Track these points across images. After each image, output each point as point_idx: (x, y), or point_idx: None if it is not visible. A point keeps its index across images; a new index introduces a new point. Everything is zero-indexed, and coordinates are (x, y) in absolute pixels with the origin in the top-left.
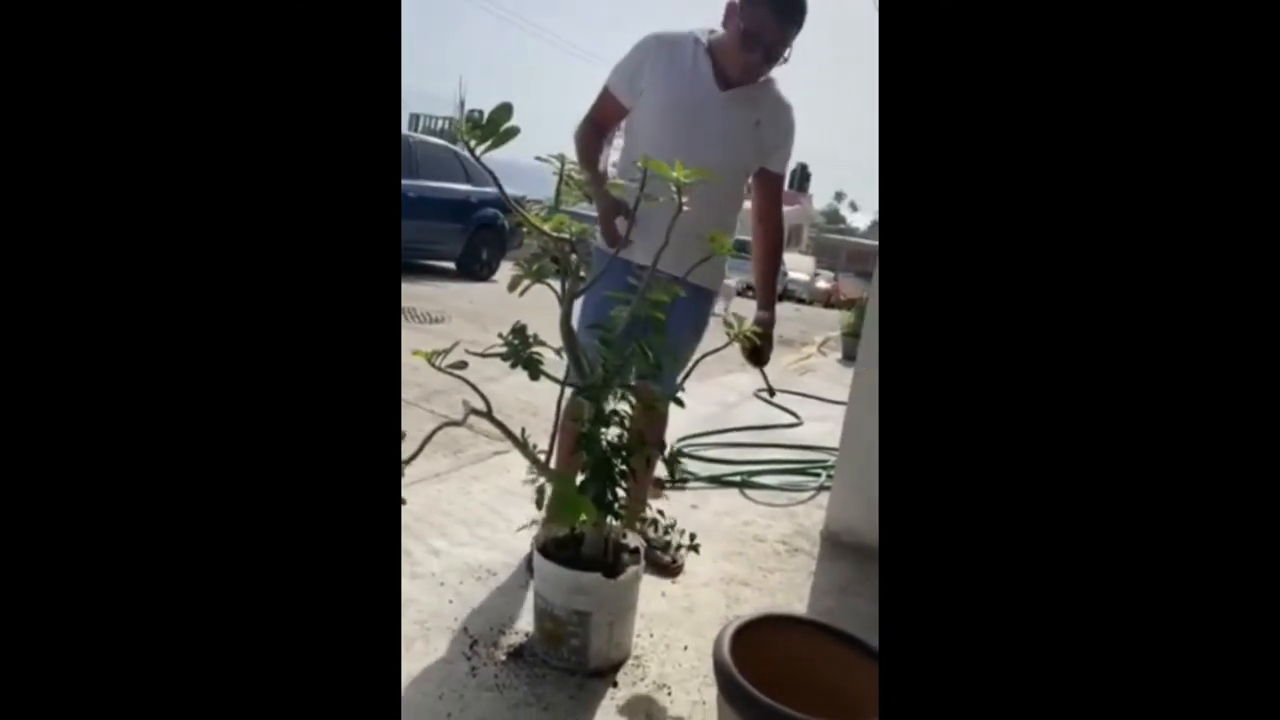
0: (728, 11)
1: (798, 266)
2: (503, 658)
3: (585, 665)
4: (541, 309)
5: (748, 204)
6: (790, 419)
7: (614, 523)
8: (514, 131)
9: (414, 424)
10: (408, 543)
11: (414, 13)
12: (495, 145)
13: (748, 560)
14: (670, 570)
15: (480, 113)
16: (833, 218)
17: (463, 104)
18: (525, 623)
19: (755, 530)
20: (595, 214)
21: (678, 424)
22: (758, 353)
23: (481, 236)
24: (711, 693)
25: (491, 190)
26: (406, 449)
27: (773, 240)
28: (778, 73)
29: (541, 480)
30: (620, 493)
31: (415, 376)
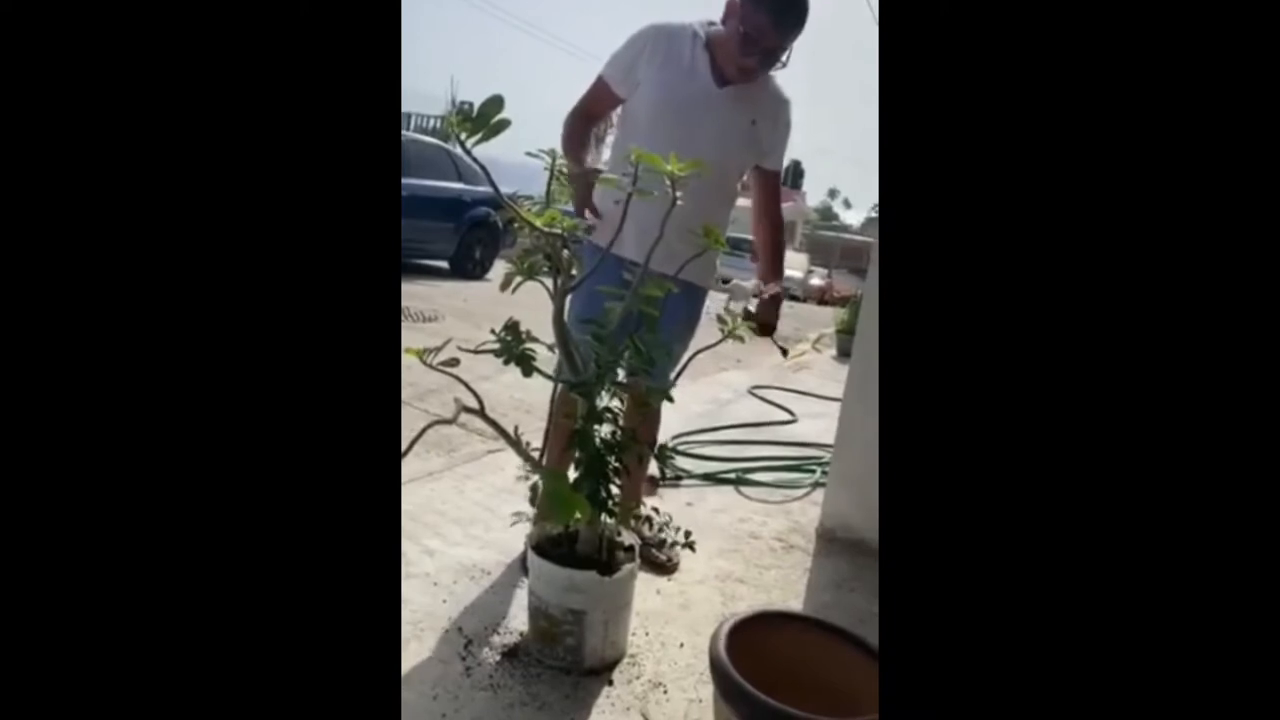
0: (728, 9)
1: (791, 264)
2: (497, 657)
3: (580, 664)
4: (535, 306)
5: (742, 201)
6: (785, 416)
7: (608, 520)
8: (505, 124)
9: (407, 423)
10: (402, 543)
11: (405, 10)
12: (486, 138)
13: (743, 557)
14: (665, 568)
15: (471, 105)
16: (826, 214)
17: (455, 102)
18: (520, 622)
19: (750, 527)
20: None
21: (672, 422)
22: (767, 322)
23: (474, 235)
24: (708, 690)
25: (484, 189)
26: None
27: (775, 233)
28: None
29: (535, 478)
30: (614, 490)
31: (408, 375)
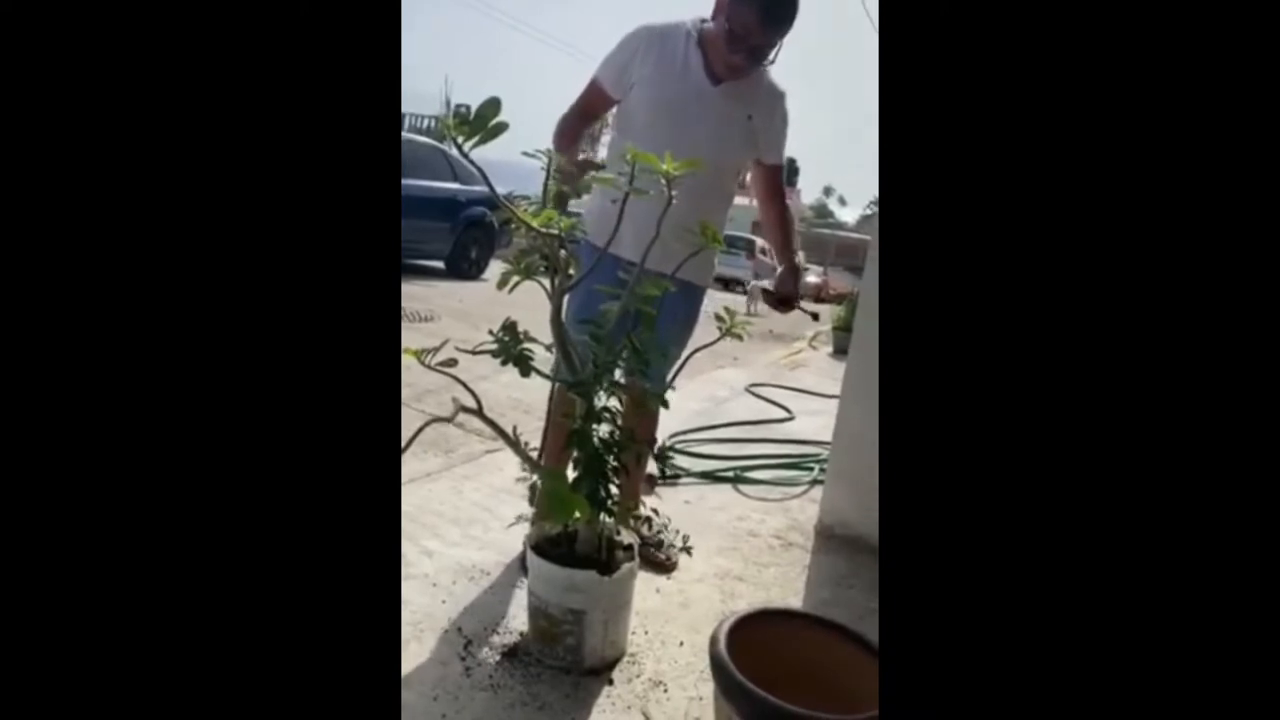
0: (716, 6)
1: None
2: (497, 657)
3: (581, 663)
4: (532, 306)
5: (740, 200)
6: (782, 414)
7: (607, 520)
8: (502, 127)
9: (406, 423)
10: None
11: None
12: (484, 141)
13: (742, 555)
14: (665, 566)
15: (467, 108)
16: (821, 212)
17: (449, 102)
18: (519, 622)
19: (749, 525)
20: (582, 212)
21: (670, 420)
22: (787, 300)
23: (470, 235)
24: (708, 688)
25: (480, 189)
26: None
27: (782, 216)
28: None
29: (534, 478)
30: (613, 489)
31: (406, 376)
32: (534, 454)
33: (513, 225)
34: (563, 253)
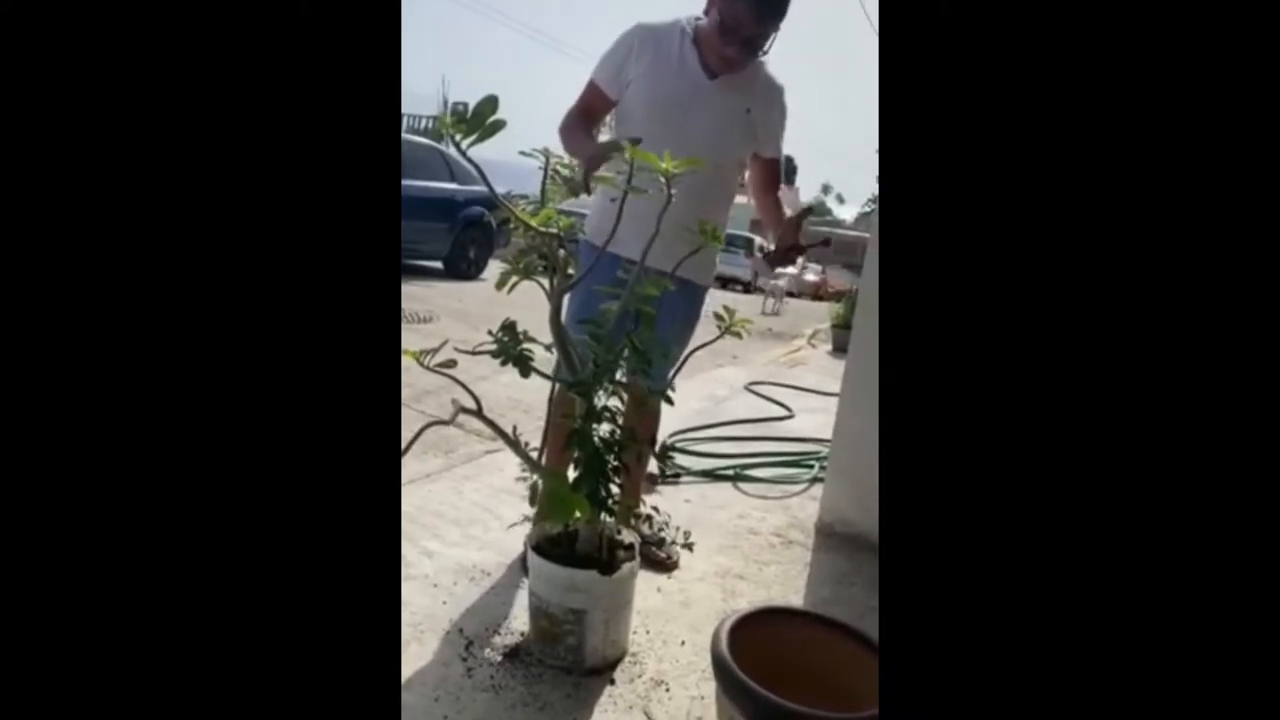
0: (709, 1)
1: None
2: (499, 658)
3: (582, 663)
4: (531, 306)
5: (740, 199)
6: (782, 412)
7: (608, 519)
8: (500, 125)
9: (406, 424)
10: (401, 544)
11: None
12: (481, 139)
13: (743, 553)
14: (665, 565)
15: (465, 105)
16: (819, 210)
17: (447, 102)
18: (520, 622)
19: (749, 523)
20: (583, 212)
21: (670, 419)
22: (793, 249)
23: (469, 235)
24: (710, 687)
25: (478, 188)
26: None
27: (778, 206)
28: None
29: (534, 478)
30: (614, 489)
31: (406, 377)
32: (534, 454)
33: (511, 225)
34: (561, 252)
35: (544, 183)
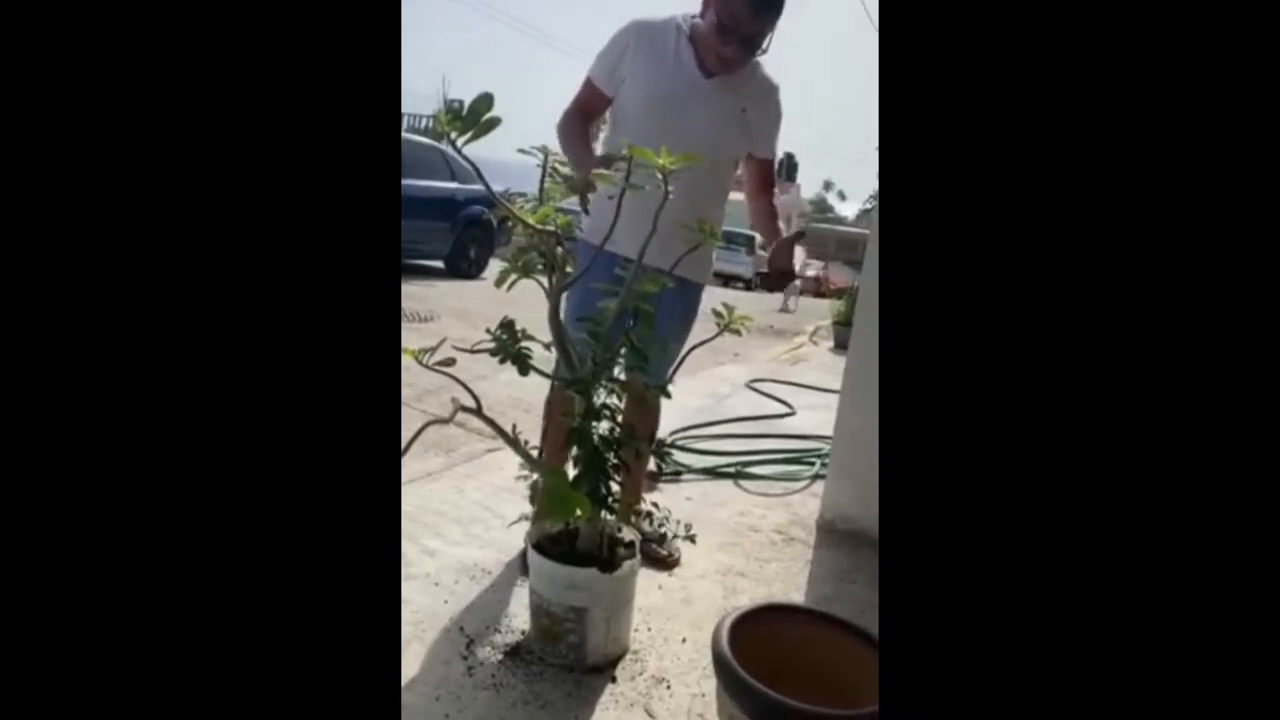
0: (704, 2)
1: None
2: (500, 656)
3: (583, 661)
4: (532, 305)
5: (735, 195)
6: (783, 409)
7: (608, 517)
8: (495, 122)
9: (406, 424)
10: (402, 543)
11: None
12: (477, 136)
13: (744, 551)
14: (666, 563)
15: (460, 103)
16: (821, 207)
17: (446, 100)
18: (521, 621)
19: (751, 521)
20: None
21: (671, 417)
22: (784, 272)
23: (469, 234)
24: (711, 684)
25: (478, 188)
26: None
27: (770, 211)
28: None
29: (535, 476)
30: (614, 487)
31: (407, 376)
32: (534, 452)
33: (510, 224)
34: (560, 250)
35: (542, 181)
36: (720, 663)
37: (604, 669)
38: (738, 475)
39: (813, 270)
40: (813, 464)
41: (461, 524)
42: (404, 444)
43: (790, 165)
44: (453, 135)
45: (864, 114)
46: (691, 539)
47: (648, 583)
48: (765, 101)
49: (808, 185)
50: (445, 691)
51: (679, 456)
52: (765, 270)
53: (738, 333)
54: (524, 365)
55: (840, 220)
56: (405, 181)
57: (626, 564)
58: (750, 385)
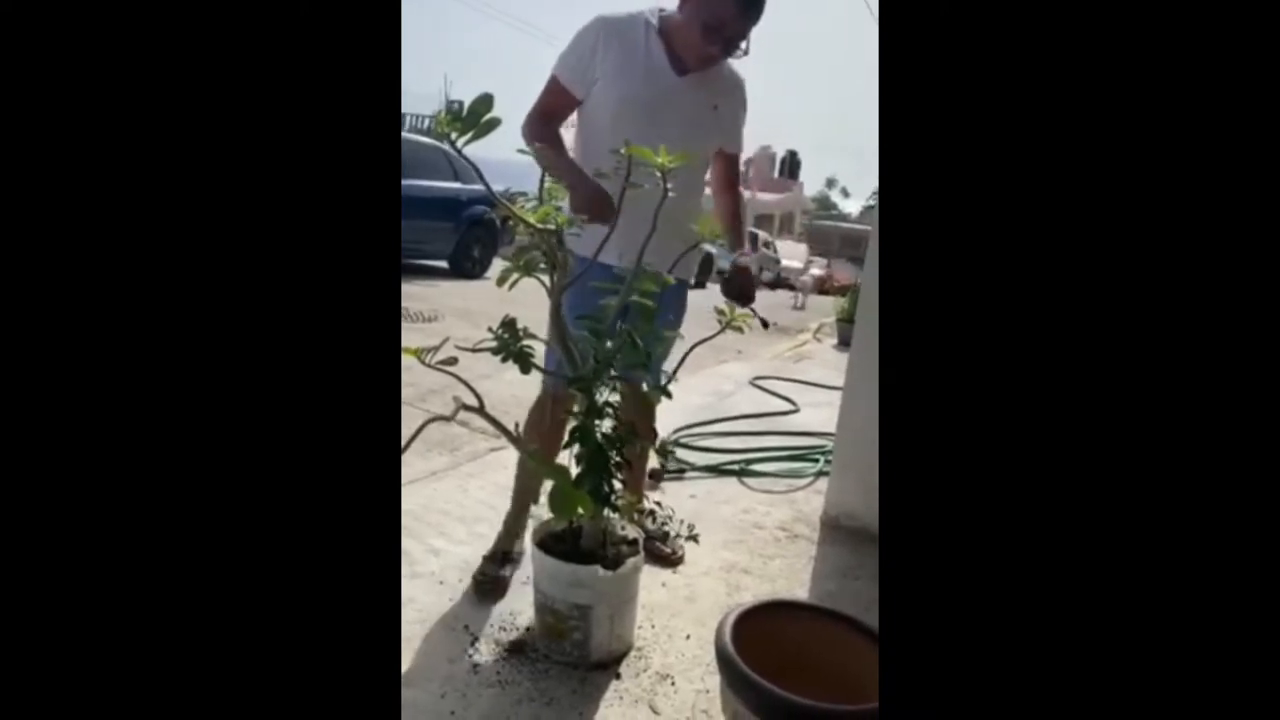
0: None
1: (791, 254)
2: (504, 654)
3: (587, 658)
4: (535, 304)
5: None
6: (786, 406)
7: (611, 515)
8: (495, 122)
9: (408, 423)
10: (406, 542)
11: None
12: (477, 136)
13: (748, 548)
14: (670, 560)
15: (460, 104)
16: (824, 204)
17: (448, 101)
18: (526, 618)
19: (754, 518)
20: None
21: (674, 415)
22: (744, 292)
23: (473, 234)
24: (715, 681)
25: (481, 188)
26: None
27: (736, 206)
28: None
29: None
30: (617, 484)
31: (409, 376)
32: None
33: (512, 223)
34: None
35: (542, 180)
36: (724, 659)
37: (608, 666)
38: (742, 472)
39: (814, 269)
40: (816, 461)
41: (465, 523)
42: (405, 442)
43: (793, 163)
44: (453, 136)
45: (867, 110)
46: (694, 538)
47: (652, 580)
48: (734, 97)
49: (811, 182)
50: (450, 689)
51: (683, 454)
52: (729, 277)
53: (740, 330)
54: (525, 363)
55: (844, 217)
56: (408, 182)
57: (630, 561)
58: (754, 382)
